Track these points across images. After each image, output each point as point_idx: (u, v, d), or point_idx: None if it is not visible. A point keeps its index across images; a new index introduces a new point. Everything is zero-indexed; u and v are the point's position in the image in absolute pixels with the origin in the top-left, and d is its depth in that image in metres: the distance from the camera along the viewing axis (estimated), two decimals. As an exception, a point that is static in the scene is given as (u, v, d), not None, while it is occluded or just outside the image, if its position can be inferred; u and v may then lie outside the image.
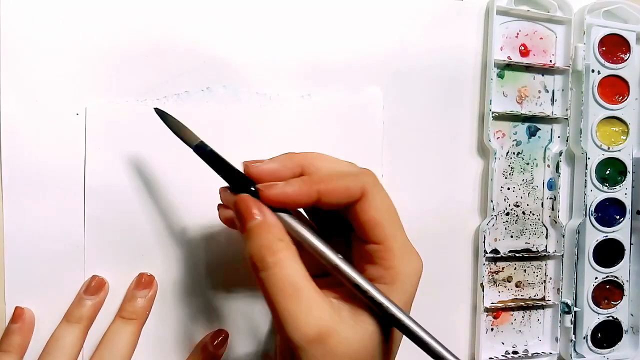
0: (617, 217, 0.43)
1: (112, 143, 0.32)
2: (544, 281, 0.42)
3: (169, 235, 0.34)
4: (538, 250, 0.42)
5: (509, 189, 0.41)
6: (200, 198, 0.33)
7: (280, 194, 0.24)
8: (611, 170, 0.42)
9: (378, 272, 0.25)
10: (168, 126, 0.29)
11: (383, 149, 0.38)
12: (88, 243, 0.32)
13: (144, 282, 0.33)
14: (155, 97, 0.33)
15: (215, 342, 0.34)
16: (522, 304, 0.41)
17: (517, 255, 0.41)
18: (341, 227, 0.27)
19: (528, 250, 0.41)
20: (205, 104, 0.34)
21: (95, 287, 0.32)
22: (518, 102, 0.41)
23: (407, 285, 0.26)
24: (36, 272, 0.32)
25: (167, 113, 0.29)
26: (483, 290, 0.40)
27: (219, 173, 0.26)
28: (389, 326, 0.26)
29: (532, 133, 0.41)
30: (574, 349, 0.42)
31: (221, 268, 0.35)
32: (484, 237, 0.40)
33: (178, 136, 0.28)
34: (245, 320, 0.35)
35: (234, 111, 0.34)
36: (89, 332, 0.32)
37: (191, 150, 0.27)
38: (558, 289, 0.41)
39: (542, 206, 0.42)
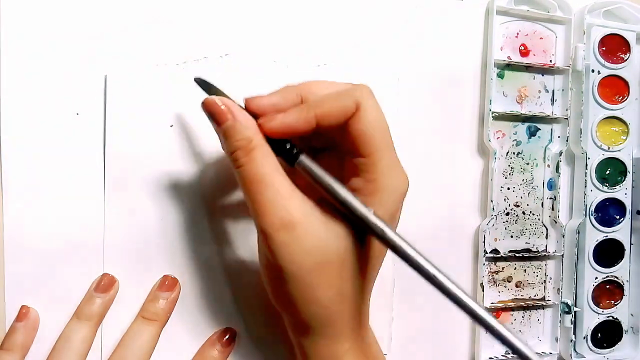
0: (617, 217, 0.43)
1: (133, 111, 0.32)
2: (544, 281, 0.42)
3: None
4: (538, 250, 0.42)
5: (509, 189, 0.41)
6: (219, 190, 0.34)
7: (280, 125, 0.26)
8: (611, 170, 0.42)
9: (359, 184, 0.26)
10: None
11: (398, 118, 0.38)
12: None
13: (168, 284, 0.33)
14: (174, 63, 0.33)
15: (223, 339, 0.34)
16: (522, 304, 0.41)
17: (517, 255, 0.41)
18: (333, 144, 0.28)
19: (528, 250, 0.41)
20: (224, 70, 0.34)
21: (105, 285, 0.32)
22: (518, 102, 0.41)
23: (387, 200, 0.26)
24: (39, 270, 0.32)
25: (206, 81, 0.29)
26: (483, 290, 0.40)
27: None
28: (364, 234, 0.27)
29: (532, 133, 0.41)
30: (574, 349, 0.42)
31: (235, 265, 0.35)
32: (484, 237, 0.40)
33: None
34: (254, 319, 0.35)
35: (252, 78, 0.35)
36: (108, 331, 0.32)
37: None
38: (558, 289, 0.41)
39: (542, 206, 0.42)
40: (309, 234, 0.25)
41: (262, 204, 0.25)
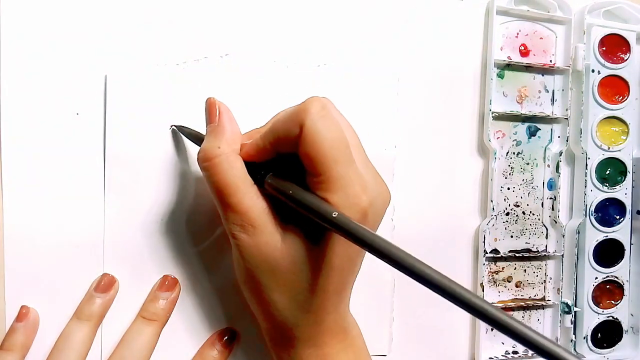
0: (617, 217, 0.43)
1: (133, 111, 0.33)
2: (544, 281, 0.42)
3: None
4: (538, 250, 0.42)
5: (509, 189, 0.41)
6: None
7: (245, 154, 0.28)
8: (611, 170, 0.42)
9: None
10: (185, 135, 0.33)
11: (398, 119, 0.38)
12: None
13: (168, 284, 0.33)
14: (174, 63, 0.33)
15: (223, 339, 0.34)
16: (522, 304, 0.41)
17: (517, 255, 0.41)
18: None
19: (528, 250, 0.41)
20: (224, 70, 0.34)
21: (105, 285, 0.32)
22: (518, 102, 0.41)
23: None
24: (39, 271, 0.32)
25: (183, 126, 0.33)
26: (483, 290, 0.40)
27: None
28: (322, 250, 0.27)
29: (532, 133, 0.41)
30: (574, 349, 0.42)
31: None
32: (484, 237, 0.40)
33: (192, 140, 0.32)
34: (254, 319, 0.35)
35: (252, 78, 0.35)
36: (108, 331, 0.32)
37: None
38: (558, 289, 0.41)
39: (542, 206, 0.42)
40: (268, 239, 0.27)
41: (223, 209, 0.27)
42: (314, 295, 0.27)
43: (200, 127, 0.33)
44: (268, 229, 0.27)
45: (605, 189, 0.42)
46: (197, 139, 0.32)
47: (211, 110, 0.29)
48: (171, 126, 0.33)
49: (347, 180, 0.25)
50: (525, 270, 0.42)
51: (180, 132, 0.33)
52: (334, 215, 0.24)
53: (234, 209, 0.27)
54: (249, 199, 0.27)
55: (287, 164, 0.27)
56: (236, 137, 0.29)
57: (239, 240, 0.27)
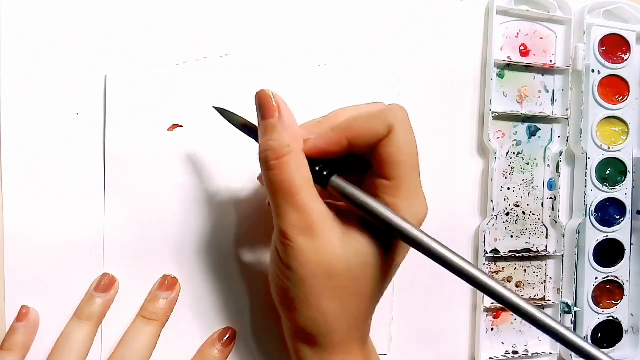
0: (617, 217, 0.43)
1: (133, 111, 0.32)
2: (544, 281, 0.42)
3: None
4: (538, 250, 0.42)
5: (509, 189, 0.41)
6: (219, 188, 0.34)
7: (312, 148, 0.26)
8: (611, 170, 0.42)
9: None
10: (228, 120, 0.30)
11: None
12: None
13: (168, 284, 0.33)
14: (174, 63, 0.33)
15: (223, 339, 0.34)
16: (522, 304, 0.41)
17: (517, 255, 0.41)
18: (357, 164, 0.28)
19: (528, 250, 0.41)
20: (224, 71, 0.34)
21: (105, 285, 0.32)
22: (518, 102, 0.41)
23: None
24: (39, 270, 0.32)
25: (227, 110, 0.30)
26: (483, 290, 0.40)
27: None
28: (382, 257, 0.27)
29: (532, 133, 0.41)
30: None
31: (235, 265, 0.35)
32: (484, 237, 0.40)
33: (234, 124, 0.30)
34: (254, 319, 0.35)
35: (252, 78, 0.35)
36: (108, 331, 0.33)
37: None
38: (558, 289, 0.41)
39: (542, 206, 0.42)
40: (327, 244, 0.26)
41: (286, 209, 0.26)
42: (361, 302, 0.27)
43: (201, 128, 0.33)
44: (327, 232, 0.26)
45: (605, 189, 0.42)
46: (245, 127, 0.30)
47: (267, 103, 0.27)
48: (213, 107, 0.31)
49: (417, 191, 0.26)
50: (525, 270, 0.42)
51: (222, 116, 0.30)
52: (414, 232, 0.25)
53: (298, 210, 0.25)
54: (313, 200, 0.26)
55: (335, 161, 0.27)
56: (300, 134, 0.27)
57: (295, 243, 0.26)
